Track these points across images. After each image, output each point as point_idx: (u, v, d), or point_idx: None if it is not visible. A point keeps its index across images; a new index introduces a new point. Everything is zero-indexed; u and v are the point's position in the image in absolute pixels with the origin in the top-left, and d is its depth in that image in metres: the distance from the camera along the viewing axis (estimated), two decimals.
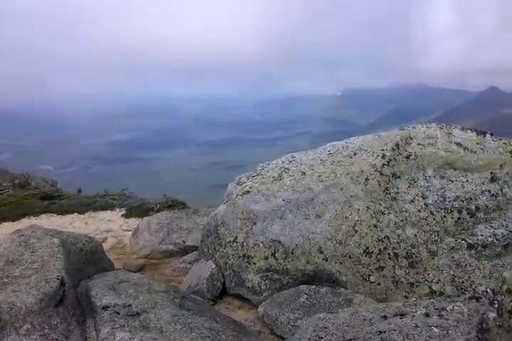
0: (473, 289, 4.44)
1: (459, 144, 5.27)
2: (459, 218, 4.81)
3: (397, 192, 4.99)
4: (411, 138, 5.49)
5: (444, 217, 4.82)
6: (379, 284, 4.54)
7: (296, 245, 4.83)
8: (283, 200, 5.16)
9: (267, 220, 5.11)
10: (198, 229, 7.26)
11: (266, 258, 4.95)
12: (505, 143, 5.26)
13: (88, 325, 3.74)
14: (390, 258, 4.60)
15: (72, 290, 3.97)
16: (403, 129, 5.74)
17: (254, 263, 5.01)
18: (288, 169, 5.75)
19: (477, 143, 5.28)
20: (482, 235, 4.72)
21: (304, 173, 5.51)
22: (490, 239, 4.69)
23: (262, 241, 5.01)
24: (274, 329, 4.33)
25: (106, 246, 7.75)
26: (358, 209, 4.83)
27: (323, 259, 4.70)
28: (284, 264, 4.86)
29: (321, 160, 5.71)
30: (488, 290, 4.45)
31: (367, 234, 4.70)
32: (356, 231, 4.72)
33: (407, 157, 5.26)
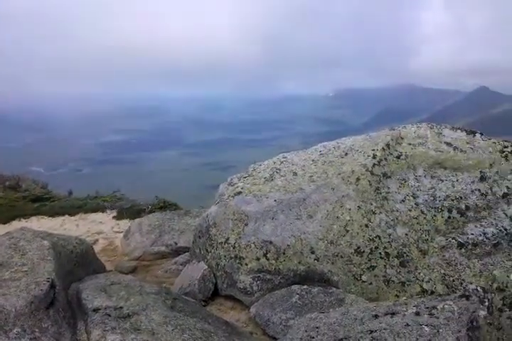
0: (464, 287, 4.48)
1: (449, 144, 5.31)
2: (450, 217, 4.84)
3: (387, 192, 5.01)
4: (401, 138, 5.52)
5: (435, 216, 4.84)
6: (370, 283, 4.56)
7: (288, 245, 4.83)
8: (274, 201, 5.17)
9: (259, 221, 5.11)
10: (190, 230, 7.24)
11: (258, 258, 4.96)
12: (494, 143, 5.30)
13: (79, 327, 3.71)
14: (381, 257, 4.62)
15: (62, 293, 3.94)
16: (394, 129, 5.77)
17: (246, 264, 5.01)
18: (279, 169, 5.76)
19: (467, 143, 5.32)
20: (472, 234, 4.75)
21: (295, 174, 5.52)
22: (480, 238, 4.72)
23: (254, 242, 5.01)
24: (266, 330, 4.33)
25: (97, 248, 7.71)
26: (350, 209, 4.84)
27: (314, 259, 4.71)
28: (275, 265, 4.86)
29: (313, 160, 5.72)
30: (479, 288, 4.48)
31: (358, 233, 4.72)
32: (347, 231, 4.74)
33: (398, 157, 5.28)
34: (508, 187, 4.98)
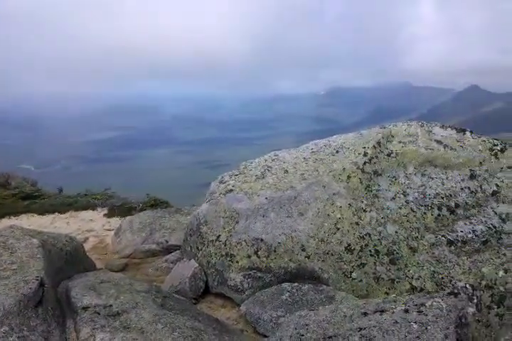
0: (453, 285, 4.50)
1: (439, 142, 5.33)
2: (439, 215, 4.86)
3: (378, 190, 5.02)
4: (392, 136, 5.53)
5: (425, 213, 4.87)
6: (360, 281, 4.57)
7: (279, 243, 4.83)
8: (265, 198, 5.16)
9: (250, 218, 5.10)
10: (181, 228, 7.22)
11: (249, 256, 4.95)
12: (484, 141, 5.33)
13: (68, 325, 3.69)
14: (371, 255, 4.64)
15: (51, 291, 3.91)
16: (384, 127, 5.79)
17: (237, 262, 5.01)
18: (271, 167, 5.75)
19: (457, 141, 5.34)
20: (462, 231, 4.78)
21: (286, 171, 5.52)
22: (469, 236, 4.75)
23: (245, 240, 5.01)
24: (256, 328, 4.32)
25: (87, 246, 7.66)
26: (340, 207, 4.85)
27: (305, 257, 4.72)
28: (266, 262, 4.86)
29: (304, 158, 5.73)
30: (468, 285, 4.51)
31: (349, 231, 4.73)
32: (338, 229, 4.74)
33: (389, 155, 5.30)
34: (497, 185, 5.01)
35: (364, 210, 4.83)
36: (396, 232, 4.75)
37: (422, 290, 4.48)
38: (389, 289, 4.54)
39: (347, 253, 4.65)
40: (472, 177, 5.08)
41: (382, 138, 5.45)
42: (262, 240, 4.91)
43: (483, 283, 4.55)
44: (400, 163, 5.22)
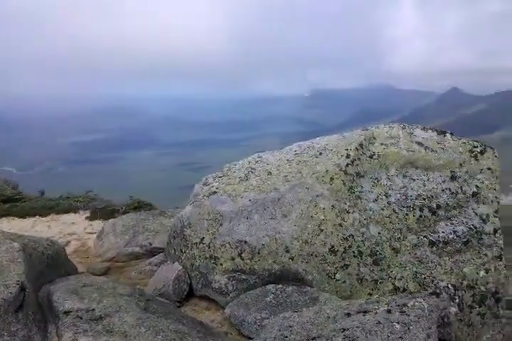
0: (435, 285, 4.56)
1: (420, 144, 5.39)
2: (421, 216, 4.92)
3: (361, 191, 5.06)
4: (374, 138, 5.58)
5: (407, 214, 4.92)
6: (344, 282, 4.60)
7: (263, 245, 4.84)
8: (249, 200, 5.16)
9: (234, 221, 5.10)
10: (165, 230, 7.17)
11: (233, 258, 4.95)
12: (464, 143, 5.40)
13: (50, 330, 3.64)
14: (354, 256, 4.67)
15: (33, 296, 3.85)
16: (367, 129, 5.83)
17: (221, 264, 5.00)
18: (254, 169, 5.76)
19: (438, 143, 5.41)
20: (443, 232, 4.85)
21: (270, 173, 5.53)
22: (451, 236, 4.82)
23: (229, 242, 5.00)
24: (241, 330, 4.32)
25: (69, 249, 7.56)
26: (324, 209, 4.88)
27: (289, 258, 4.73)
28: (250, 264, 4.87)
29: (288, 160, 5.74)
30: (450, 285, 4.58)
31: (332, 232, 4.75)
32: (322, 230, 4.77)
33: (371, 156, 5.34)
34: (477, 187, 5.09)
35: (347, 211, 4.87)
36: (379, 233, 4.80)
37: (404, 290, 4.53)
38: (372, 290, 4.58)
39: (331, 254, 4.67)
40: (453, 178, 5.15)
41: (365, 140, 5.49)
42: (245, 242, 4.91)
43: (465, 283, 4.63)
44: (382, 164, 5.27)
